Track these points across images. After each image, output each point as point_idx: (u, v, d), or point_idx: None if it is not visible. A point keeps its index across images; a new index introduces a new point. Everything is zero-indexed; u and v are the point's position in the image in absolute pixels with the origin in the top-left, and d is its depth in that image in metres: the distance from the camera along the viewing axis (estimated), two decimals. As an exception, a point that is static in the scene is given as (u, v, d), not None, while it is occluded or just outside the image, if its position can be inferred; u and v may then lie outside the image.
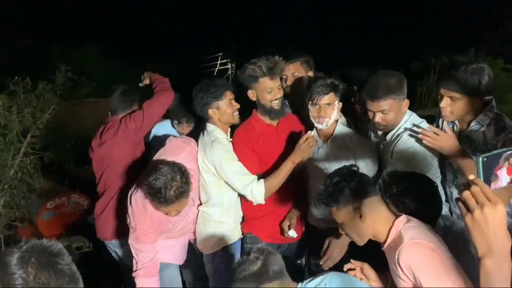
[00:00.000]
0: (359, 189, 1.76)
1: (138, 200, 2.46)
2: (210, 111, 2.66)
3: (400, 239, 1.68)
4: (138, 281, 2.55)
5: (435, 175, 2.31)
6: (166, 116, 3.16)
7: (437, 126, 2.43)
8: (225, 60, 19.22)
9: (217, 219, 2.69)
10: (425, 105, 8.93)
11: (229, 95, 2.68)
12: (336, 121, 2.61)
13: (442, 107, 2.22)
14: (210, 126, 2.69)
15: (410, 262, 1.61)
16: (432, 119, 2.49)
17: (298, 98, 2.84)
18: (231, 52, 18.49)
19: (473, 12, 11.54)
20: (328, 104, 2.51)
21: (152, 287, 2.57)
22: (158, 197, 2.25)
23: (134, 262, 2.57)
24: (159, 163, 2.31)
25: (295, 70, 2.93)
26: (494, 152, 1.19)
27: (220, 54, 19.06)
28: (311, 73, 2.99)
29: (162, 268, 2.64)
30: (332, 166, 2.38)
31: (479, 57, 2.35)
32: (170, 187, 2.22)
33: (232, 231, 2.74)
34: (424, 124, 2.35)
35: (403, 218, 1.77)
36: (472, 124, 2.22)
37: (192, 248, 2.88)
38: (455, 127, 2.34)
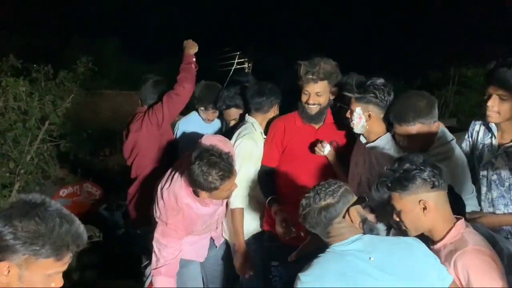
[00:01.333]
0: (430, 181, 1.69)
1: (171, 195, 2.42)
2: (275, 107, 2.87)
3: (462, 242, 1.67)
4: (158, 280, 2.44)
5: (468, 193, 2.18)
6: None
7: (472, 133, 2.35)
8: (242, 60, 19.22)
9: None
10: (442, 116, 8.84)
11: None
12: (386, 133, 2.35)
13: (489, 106, 2.07)
14: (250, 119, 2.84)
15: (469, 267, 1.60)
16: (451, 131, 2.39)
17: None
18: (248, 51, 18.49)
19: (501, 29, 11.33)
20: (352, 108, 2.34)
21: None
22: (214, 175, 2.19)
23: (154, 259, 2.46)
24: (196, 152, 2.25)
25: None
26: None
27: (238, 53, 19.07)
28: None
29: (184, 264, 2.58)
30: (368, 172, 2.33)
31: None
32: (220, 160, 2.21)
33: (257, 222, 2.80)
34: (453, 142, 2.21)
35: (463, 221, 1.74)
36: None
37: (211, 244, 2.85)
38: (493, 140, 2.20)
